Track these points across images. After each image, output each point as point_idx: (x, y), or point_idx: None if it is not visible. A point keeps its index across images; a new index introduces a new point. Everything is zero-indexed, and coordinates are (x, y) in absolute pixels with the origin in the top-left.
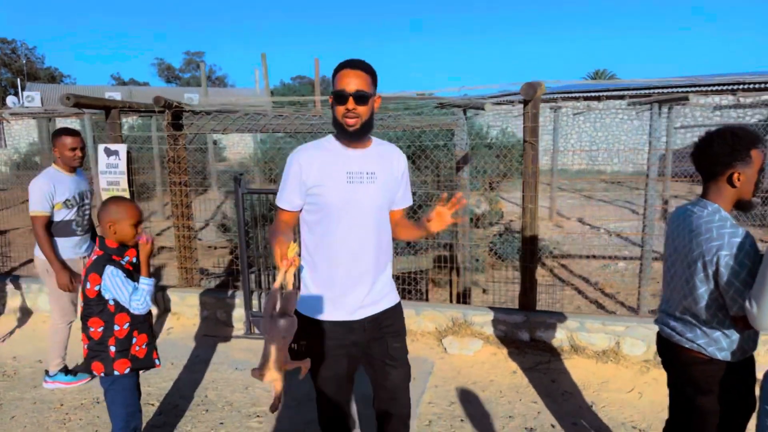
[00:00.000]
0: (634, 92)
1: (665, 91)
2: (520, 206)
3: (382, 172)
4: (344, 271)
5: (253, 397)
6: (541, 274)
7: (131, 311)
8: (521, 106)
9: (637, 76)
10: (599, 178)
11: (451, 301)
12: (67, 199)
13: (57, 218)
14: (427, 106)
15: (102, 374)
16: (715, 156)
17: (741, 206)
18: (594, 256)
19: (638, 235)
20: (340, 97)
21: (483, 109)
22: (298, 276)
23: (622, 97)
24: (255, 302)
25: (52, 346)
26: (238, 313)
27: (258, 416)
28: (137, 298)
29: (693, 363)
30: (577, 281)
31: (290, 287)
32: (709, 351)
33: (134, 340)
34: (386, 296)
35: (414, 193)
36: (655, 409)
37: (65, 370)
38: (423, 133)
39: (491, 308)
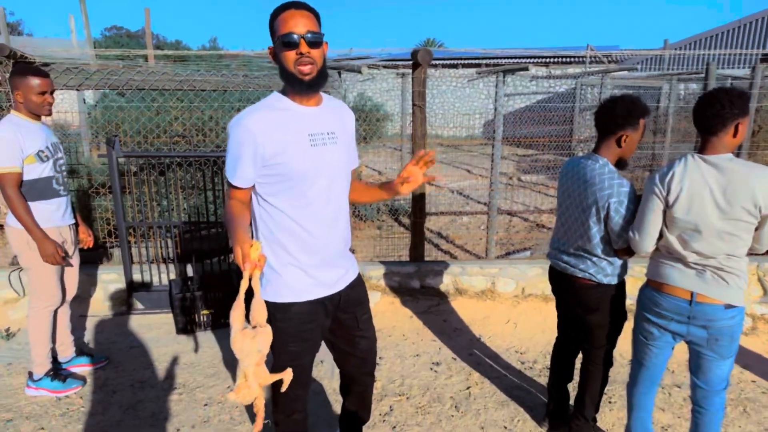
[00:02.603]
0: (466, 62)
1: (501, 61)
2: (374, 169)
3: (340, 130)
4: (322, 243)
5: (165, 371)
6: (400, 231)
7: None
8: (390, 70)
9: (462, 45)
10: (437, 141)
11: None
12: (40, 150)
13: (31, 175)
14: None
15: None
16: (614, 117)
17: (619, 164)
18: (442, 213)
19: (481, 192)
20: (289, 42)
21: (360, 72)
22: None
23: (455, 66)
24: (137, 276)
25: (36, 342)
26: (115, 288)
27: (177, 390)
28: None
29: (584, 288)
30: (431, 235)
31: (257, 293)
32: (598, 278)
33: None
34: (354, 264)
35: None
36: (528, 335)
37: (53, 374)
38: None
39: (385, 262)
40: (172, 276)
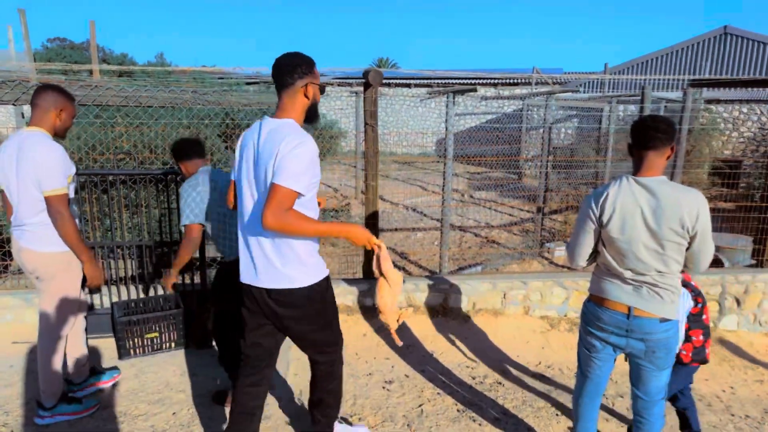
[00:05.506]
0: (418, 81)
1: (451, 81)
2: (329, 186)
3: None
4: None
5: (105, 399)
6: (355, 248)
7: None
8: (344, 88)
9: (414, 65)
10: (391, 159)
11: None
12: (75, 172)
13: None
14: (237, 84)
15: None
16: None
17: None
18: (397, 229)
19: (434, 208)
20: (323, 91)
21: None
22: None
23: (408, 85)
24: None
25: (50, 371)
26: None
27: (117, 418)
28: None
29: None
30: None
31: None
32: None
33: None
34: None
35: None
36: (479, 348)
37: (68, 398)
38: (240, 111)
39: (338, 280)
40: (115, 299)
